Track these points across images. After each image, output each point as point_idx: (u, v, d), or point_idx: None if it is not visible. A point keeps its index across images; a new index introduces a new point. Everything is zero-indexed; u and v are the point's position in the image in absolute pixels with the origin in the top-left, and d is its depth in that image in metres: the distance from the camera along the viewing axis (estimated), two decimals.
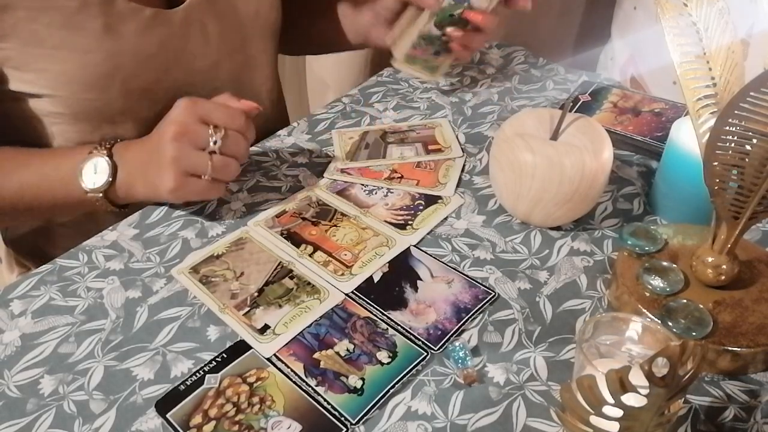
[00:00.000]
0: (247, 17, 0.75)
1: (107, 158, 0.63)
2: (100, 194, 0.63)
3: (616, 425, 0.41)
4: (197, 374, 0.51)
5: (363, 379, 0.51)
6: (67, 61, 0.63)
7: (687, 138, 0.61)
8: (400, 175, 0.72)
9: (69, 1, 0.61)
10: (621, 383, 0.37)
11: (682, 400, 0.43)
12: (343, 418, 0.48)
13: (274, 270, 0.61)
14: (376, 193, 0.70)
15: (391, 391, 0.50)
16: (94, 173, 0.63)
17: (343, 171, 0.73)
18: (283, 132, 0.81)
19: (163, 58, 0.67)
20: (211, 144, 0.60)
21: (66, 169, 0.64)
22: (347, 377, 0.51)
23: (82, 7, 0.61)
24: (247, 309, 0.56)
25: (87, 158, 0.63)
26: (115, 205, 0.65)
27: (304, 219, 0.66)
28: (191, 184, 0.61)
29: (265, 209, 0.68)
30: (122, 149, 0.64)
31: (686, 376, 0.39)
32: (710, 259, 0.54)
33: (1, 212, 0.67)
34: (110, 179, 0.62)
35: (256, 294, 0.58)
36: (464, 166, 0.74)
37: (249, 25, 0.75)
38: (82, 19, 0.62)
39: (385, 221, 0.66)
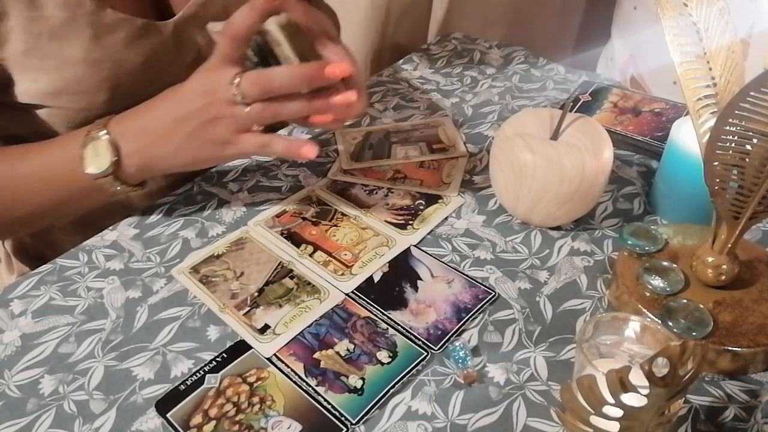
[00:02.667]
0: None
1: (106, 136, 0.59)
2: (110, 176, 0.60)
3: (616, 425, 0.41)
4: (197, 374, 0.51)
5: (363, 379, 0.51)
6: (56, 71, 0.62)
7: (687, 138, 0.61)
8: (403, 176, 0.72)
9: (58, 11, 0.60)
10: (621, 383, 0.37)
11: (682, 400, 0.43)
12: (343, 418, 0.48)
13: (274, 270, 0.61)
14: (376, 193, 0.70)
15: (391, 391, 0.50)
16: (96, 156, 0.59)
17: (346, 172, 0.73)
18: (283, 132, 0.81)
19: (152, 70, 0.67)
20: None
21: (69, 158, 0.60)
22: (347, 377, 0.51)
23: (71, 19, 0.61)
24: (247, 309, 0.56)
25: (85, 142, 0.59)
26: (130, 185, 0.62)
27: (304, 219, 0.66)
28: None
29: (265, 209, 0.68)
30: (117, 122, 0.60)
31: (686, 376, 0.39)
32: (710, 259, 0.54)
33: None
34: (115, 158, 0.59)
35: (256, 294, 0.58)
36: (466, 165, 0.74)
37: None
38: (71, 31, 0.61)
39: (386, 221, 0.66)
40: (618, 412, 0.40)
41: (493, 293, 0.58)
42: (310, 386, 0.50)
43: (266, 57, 0.59)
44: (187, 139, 0.60)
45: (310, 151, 0.59)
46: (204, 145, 0.60)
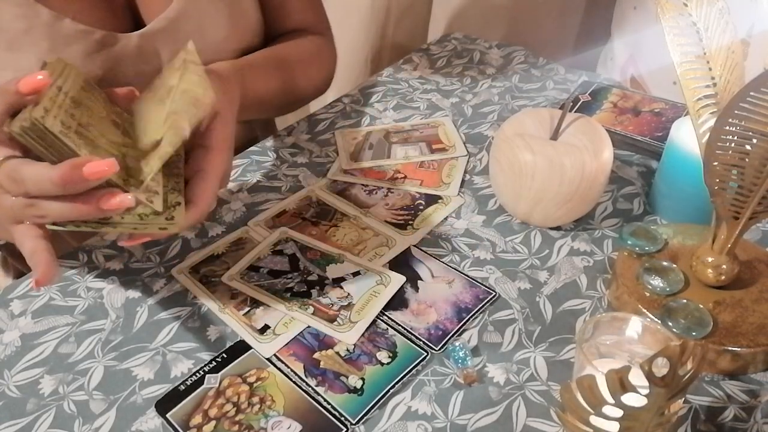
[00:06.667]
0: (215, 43, 0.70)
1: None
2: None
3: (616, 425, 0.41)
4: (197, 374, 0.51)
5: (363, 379, 0.51)
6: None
7: (687, 138, 0.61)
8: (403, 176, 0.72)
9: (15, 23, 0.58)
10: (621, 383, 0.37)
11: (682, 400, 0.43)
12: (343, 418, 0.48)
13: None
14: (376, 193, 0.70)
15: (391, 391, 0.50)
16: None
17: (346, 172, 0.73)
18: (283, 132, 0.81)
19: (110, 82, 0.63)
20: None
21: None
22: (347, 377, 0.51)
23: (27, 30, 0.59)
24: (247, 309, 0.56)
25: None
26: None
27: (304, 219, 0.66)
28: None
29: (265, 209, 0.68)
30: None
31: (686, 376, 0.39)
32: (710, 259, 0.54)
33: None
34: None
35: None
36: (466, 165, 0.74)
37: (218, 49, 0.71)
38: (27, 42, 0.59)
39: (386, 221, 0.66)
40: (618, 412, 0.40)
41: (493, 293, 0.58)
42: (309, 386, 0.50)
43: (52, 141, 0.43)
44: None
45: (38, 282, 0.46)
46: None
